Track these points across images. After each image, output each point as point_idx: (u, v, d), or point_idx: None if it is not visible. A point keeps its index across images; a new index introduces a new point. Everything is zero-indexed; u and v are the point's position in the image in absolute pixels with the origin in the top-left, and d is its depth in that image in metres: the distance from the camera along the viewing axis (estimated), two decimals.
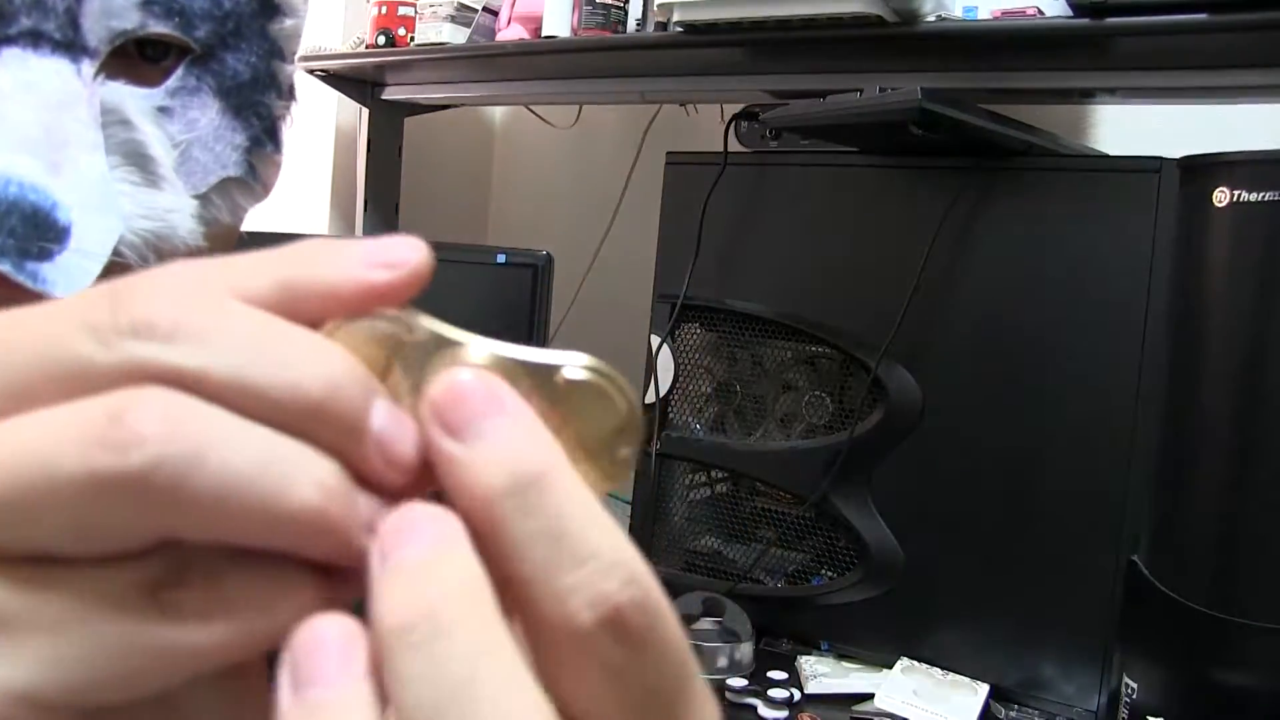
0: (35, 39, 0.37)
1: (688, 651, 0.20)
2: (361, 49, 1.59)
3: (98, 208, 0.37)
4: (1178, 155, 0.93)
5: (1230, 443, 0.86)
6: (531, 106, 1.81)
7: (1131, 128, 1.37)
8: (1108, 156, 1.19)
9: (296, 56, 0.47)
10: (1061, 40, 1.05)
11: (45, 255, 0.35)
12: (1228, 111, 1.29)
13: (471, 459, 0.19)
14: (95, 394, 0.18)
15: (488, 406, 0.20)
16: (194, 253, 0.41)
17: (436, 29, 1.52)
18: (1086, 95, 1.24)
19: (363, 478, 0.20)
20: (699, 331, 1.23)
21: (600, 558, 0.19)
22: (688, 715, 0.20)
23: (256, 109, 0.44)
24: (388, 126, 1.79)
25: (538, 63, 1.46)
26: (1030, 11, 1.05)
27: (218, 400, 0.18)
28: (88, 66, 0.38)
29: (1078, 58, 1.11)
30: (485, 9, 1.51)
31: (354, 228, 1.79)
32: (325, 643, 0.19)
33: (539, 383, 0.21)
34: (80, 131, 0.37)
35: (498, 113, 2.04)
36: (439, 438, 0.20)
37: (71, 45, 0.38)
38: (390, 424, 0.20)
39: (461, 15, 1.51)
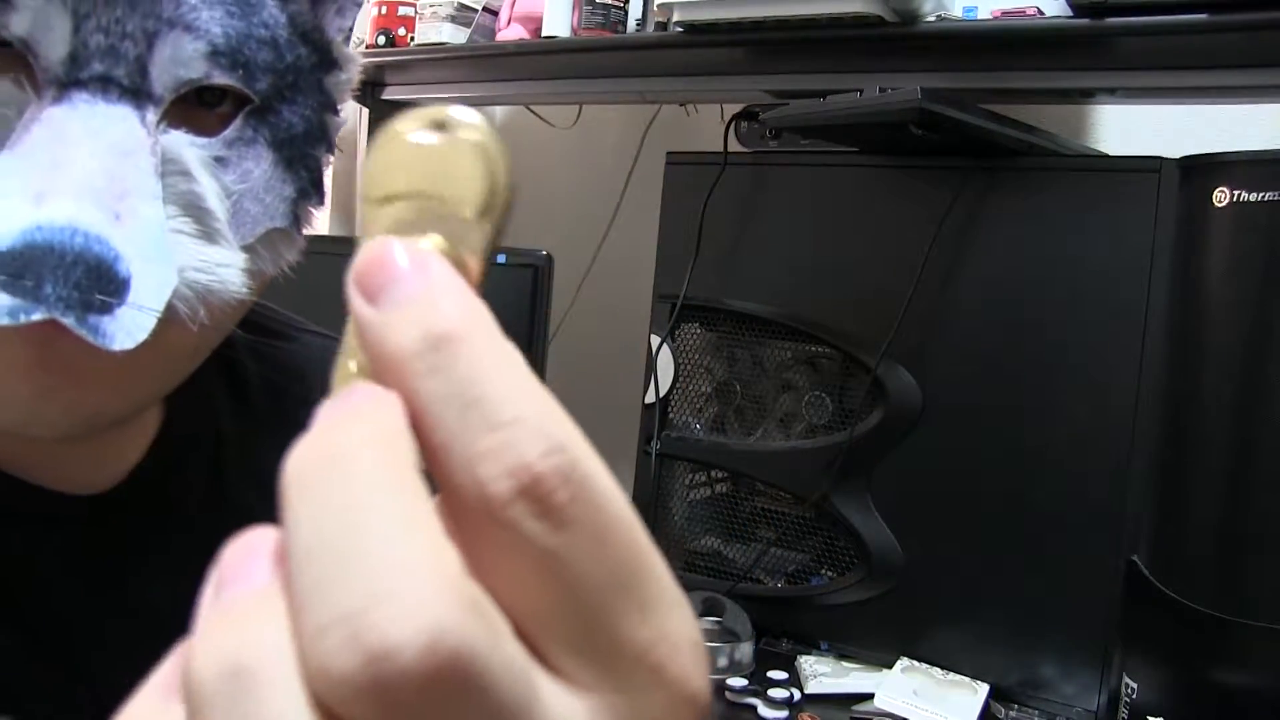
0: (105, 85, 0.38)
1: (638, 540, 0.18)
2: (361, 49, 1.59)
3: (155, 259, 0.37)
4: (1178, 155, 0.93)
5: (1230, 443, 0.86)
6: (531, 106, 1.81)
7: (1131, 128, 1.37)
8: (1108, 156, 1.19)
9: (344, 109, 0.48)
10: (1061, 40, 1.05)
11: (106, 309, 0.35)
12: (1228, 111, 1.29)
13: (383, 320, 0.18)
14: None
15: (402, 268, 0.19)
16: (240, 304, 0.42)
17: (436, 29, 1.52)
18: (1086, 95, 1.24)
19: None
20: (699, 331, 1.23)
21: (520, 423, 0.17)
22: (635, 616, 0.18)
23: (306, 161, 0.45)
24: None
25: (538, 63, 1.46)
26: (1030, 11, 1.05)
27: None
28: (151, 114, 0.39)
29: (1078, 58, 1.11)
30: (485, 9, 1.51)
31: (354, 228, 1.79)
32: (246, 548, 0.18)
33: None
34: (142, 181, 0.37)
35: (498, 112, 2.04)
36: (357, 303, 0.19)
37: (138, 93, 0.38)
38: None
39: (461, 15, 1.51)
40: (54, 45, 0.37)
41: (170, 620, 0.52)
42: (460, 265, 0.20)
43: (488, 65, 1.54)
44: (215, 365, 0.52)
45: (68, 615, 0.47)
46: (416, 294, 0.18)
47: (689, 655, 0.18)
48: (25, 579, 0.46)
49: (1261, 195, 0.83)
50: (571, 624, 0.18)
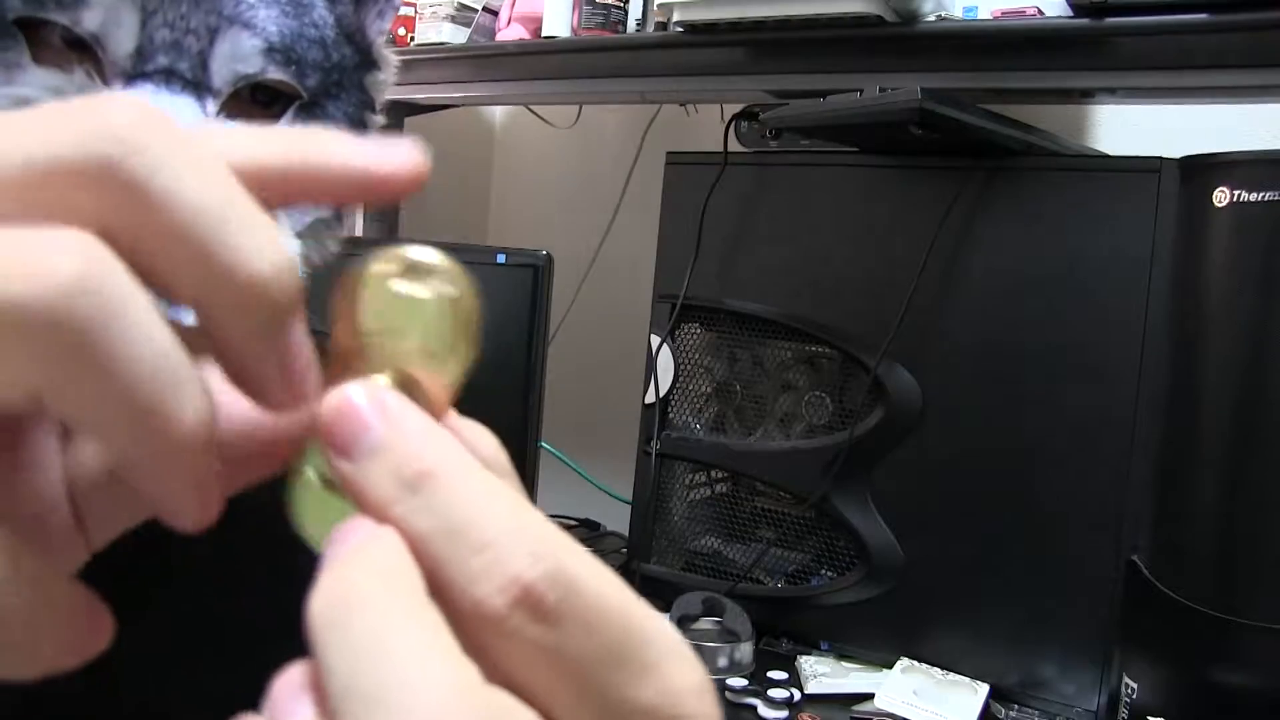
0: (169, 77, 0.40)
1: (626, 615, 0.20)
2: None
3: None
4: (1178, 155, 0.93)
5: (1230, 443, 0.86)
6: (531, 106, 1.81)
7: (1131, 128, 1.37)
8: (1107, 156, 1.19)
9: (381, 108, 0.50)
10: (1061, 40, 1.05)
11: None
12: (1228, 111, 1.29)
13: (361, 475, 0.20)
14: (47, 193, 0.18)
15: (366, 419, 0.20)
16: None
17: (436, 29, 1.52)
18: (1086, 95, 1.24)
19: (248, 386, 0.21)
20: (699, 331, 1.23)
21: (500, 541, 0.19)
22: (637, 681, 0.20)
23: None
24: (388, 126, 1.78)
25: (538, 63, 1.46)
26: (1030, 11, 1.05)
27: (155, 246, 0.19)
28: (211, 105, 0.41)
29: (1078, 58, 1.11)
30: (485, 9, 1.51)
31: (354, 228, 1.79)
32: (291, 685, 0.20)
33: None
34: None
35: (498, 113, 2.04)
36: (334, 459, 0.20)
37: (199, 85, 0.41)
38: (304, 345, 0.21)
39: (461, 15, 1.51)
40: (122, 40, 0.39)
41: (191, 606, 0.52)
42: (426, 396, 0.21)
43: (488, 65, 1.54)
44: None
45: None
46: (384, 441, 0.20)
47: (695, 702, 0.20)
48: None
49: (1261, 195, 0.83)
50: (584, 700, 0.19)
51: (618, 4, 1.33)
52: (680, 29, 1.21)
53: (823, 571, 1.14)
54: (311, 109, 0.45)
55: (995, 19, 1.06)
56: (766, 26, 1.14)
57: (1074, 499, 0.98)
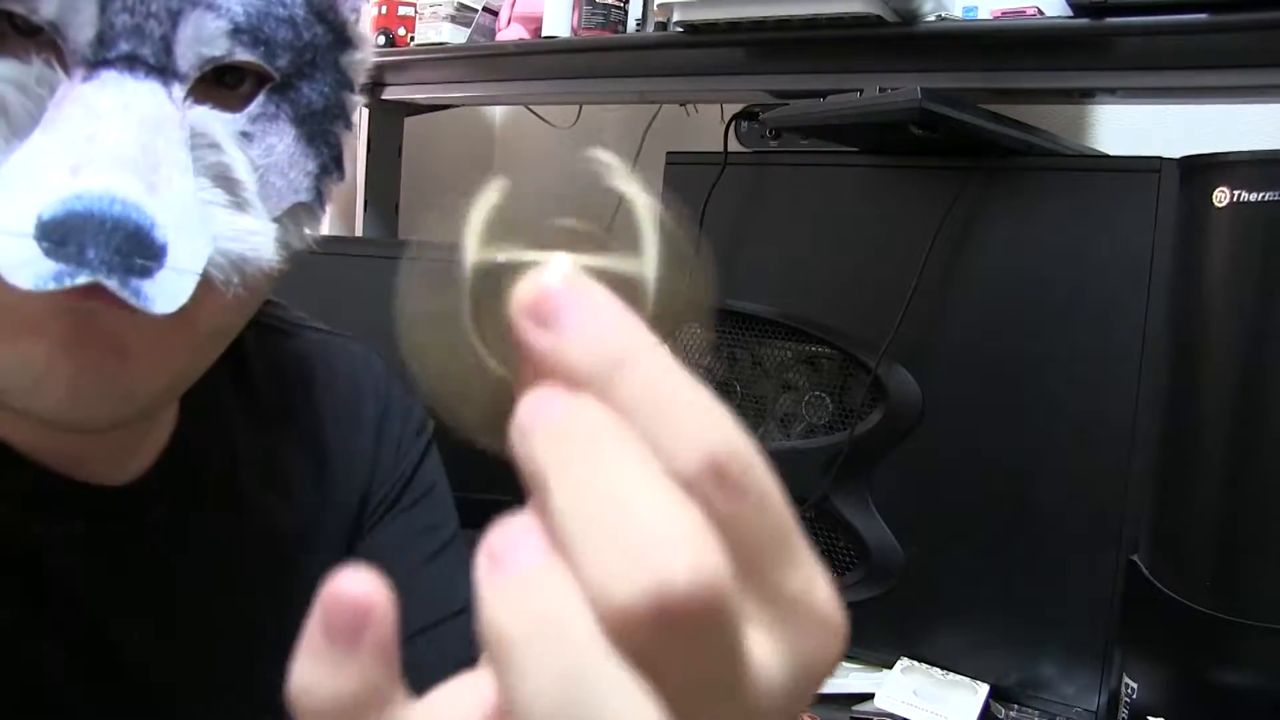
0: (132, 62, 0.39)
1: (787, 507, 0.22)
2: None
3: (190, 227, 0.38)
4: (1178, 155, 0.93)
5: (1230, 443, 0.86)
6: (531, 106, 1.81)
7: (1131, 128, 1.37)
8: (1107, 156, 1.19)
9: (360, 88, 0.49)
10: (1061, 40, 1.05)
11: (146, 273, 0.36)
12: (1228, 111, 1.29)
13: (562, 346, 0.21)
14: None
15: (571, 297, 0.21)
16: (269, 276, 0.43)
17: (436, 29, 1.52)
18: (1086, 95, 1.24)
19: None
20: (699, 331, 1.23)
21: (696, 419, 0.21)
22: (789, 569, 0.21)
23: (327, 137, 0.46)
24: (388, 126, 1.79)
25: (538, 63, 1.46)
26: (1030, 11, 1.05)
27: None
28: (178, 90, 0.40)
29: (1078, 58, 1.11)
30: (485, 9, 1.51)
31: (354, 228, 1.79)
32: (514, 531, 0.21)
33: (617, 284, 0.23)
34: (173, 152, 0.38)
35: (498, 113, 2.04)
36: (530, 332, 0.21)
37: (164, 70, 0.39)
38: None
39: (461, 15, 1.51)
40: (82, 27, 0.38)
41: (187, 610, 0.52)
42: (621, 287, 0.22)
43: (488, 65, 1.54)
44: (224, 364, 0.53)
45: (87, 605, 0.48)
46: (588, 323, 0.21)
47: (832, 599, 0.22)
48: (49, 565, 0.47)
49: (1261, 195, 0.83)
50: (750, 574, 0.21)
51: (618, 4, 1.33)
52: (680, 29, 1.21)
53: None
54: (284, 91, 0.44)
55: (995, 19, 1.06)
56: (766, 26, 1.14)
57: (1074, 499, 0.98)
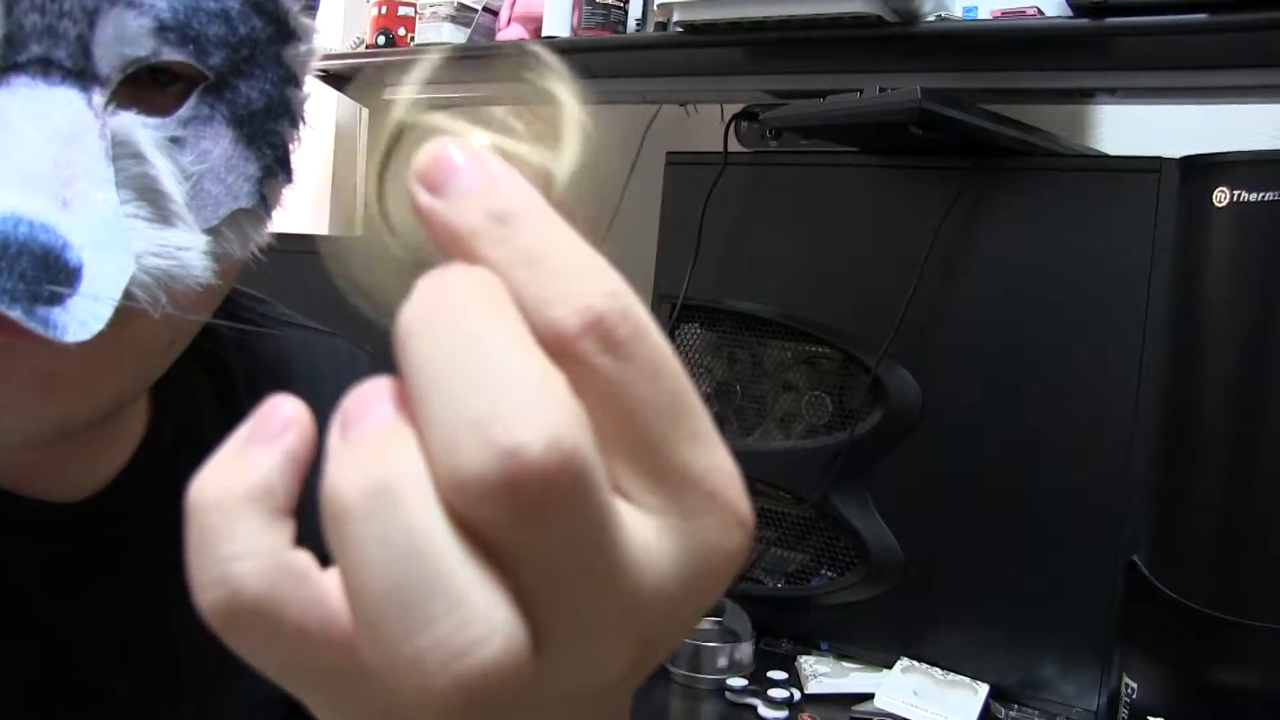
0: (45, 67, 0.36)
1: (684, 376, 0.20)
2: (361, 49, 1.59)
3: (109, 246, 0.35)
4: (1178, 155, 0.93)
5: (1230, 443, 0.86)
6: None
7: (1131, 128, 1.37)
8: (1107, 156, 1.19)
9: (308, 82, 0.46)
10: (1061, 40, 1.05)
11: (56, 300, 0.33)
12: (1228, 111, 1.29)
13: (449, 206, 0.20)
14: None
15: (460, 163, 0.21)
16: (205, 291, 0.40)
17: (436, 29, 1.52)
18: (1086, 95, 1.24)
19: None
20: (699, 331, 1.23)
21: (581, 272, 0.20)
22: (691, 445, 0.20)
23: (270, 138, 0.43)
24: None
25: None
26: (1030, 11, 1.05)
27: None
28: (98, 96, 0.37)
29: (1078, 58, 1.11)
30: (485, 9, 1.51)
31: (354, 228, 1.79)
32: (366, 393, 0.20)
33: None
34: (91, 165, 0.36)
35: (498, 113, 2.03)
36: (422, 196, 0.21)
37: (83, 74, 0.36)
38: None
39: (461, 15, 1.51)
40: None
41: (155, 625, 0.50)
42: (512, 161, 0.22)
43: (488, 66, 1.54)
44: (199, 362, 0.51)
45: (48, 626, 0.46)
46: (477, 182, 0.21)
47: (736, 483, 0.21)
48: (4, 591, 0.45)
49: (1261, 195, 0.83)
50: (637, 450, 0.20)
51: (618, 4, 1.33)
52: (680, 29, 1.21)
53: (823, 571, 1.13)
54: (219, 90, 0.40)
55: (995, 19, 1.07)
56: (766, 26, 1.14)
57: (1074, 499, 0.98)
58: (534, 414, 0.18)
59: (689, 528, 0.20)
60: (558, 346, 0.19)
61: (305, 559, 0.20)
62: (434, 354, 0.19)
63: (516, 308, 0.20)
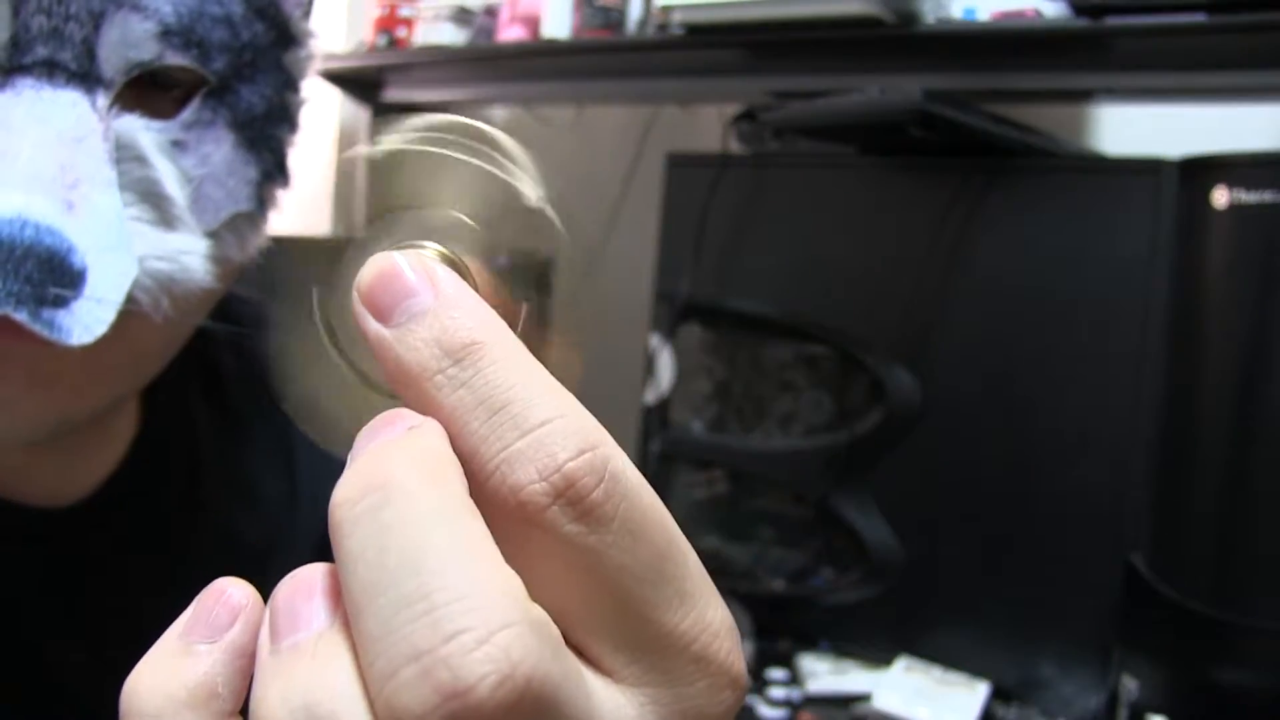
0: (50, 69, 0.35)
1: (670, 531, 0.18)
2: (363, 50, 1.60)
3: (112, 249, 0.35)
4: (1177, 155, 0.93)
5: (1230, 443, 0.86)
6: (531, 107, 1.81)
7: (1131, 128, 1.37)
8: (1107, 157, 1.19)
9: (306, 86, 0.45)
10: (1061, 40, 1.05)
11: (61, 303, 0.33)
12: (1228, 111, 1.29)
13: (398, 338, 0.18)
14: None
15: (410, 282, 0.19)
16: (206, 293, 0.40)
17: (437, 30, 1.52)
18: (1086, 95, 1.24)
19: None
20: (699, 331, 1.23)
21: (548, 424, 0.17)
22: (675, 606, 0.18)
23: (269, 142, 0.43)
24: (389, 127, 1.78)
25: (538, 63, 1.46)
26: (1030, 12, 1.05)
27: None
28: (102, 99, 0.37)
29: (1077, 58, 1.11)
30: (485, 10, 1.51)
31: (355, 228, 1.79)
32: (300, 588, 0.18)
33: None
34: (95, 168, 0.36)
35: (498, 113, 2.04)
36: (368, 323, 0.19)
37: (87, 76, 0.36)
38: None
39: (461, 17, 1.51)
40: None
41: (146, 631, 0.50)
42: (465, 271, 0.20)
43: (488, 66, 1.54)
44: (191, 362, 0.50)
45: (36, 634, 0.45)
46: (428, 307, 0.18)
47: (729, 641, 0.19)
48: None
49: (1261, 195, 0.83)
50: (615, 620, 0.18)
51: (617, 5, 1.33)
52: (680, 29, 1.22)
53: (823, 571, 1.14)
54: (221, 95, 0.40)
55: (995, 20, 1.07)
56: (766, 27, 1.14)
57: (1074, 499, 0.98)
58: (480, 644, 0.15)
59: (674, 695, 0.18)
60: (520, 516, 0.17)
61: None
62: (368, 555, 0.16)
63: (471, 473, 0.17)
